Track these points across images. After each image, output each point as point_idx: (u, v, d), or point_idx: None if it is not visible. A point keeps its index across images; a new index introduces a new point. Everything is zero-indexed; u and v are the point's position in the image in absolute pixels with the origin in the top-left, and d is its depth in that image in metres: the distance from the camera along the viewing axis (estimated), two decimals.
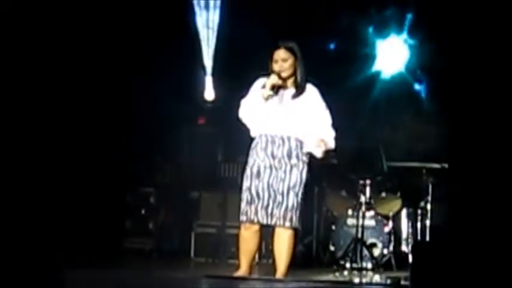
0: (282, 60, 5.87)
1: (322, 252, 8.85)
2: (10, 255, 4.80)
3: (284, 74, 5.86)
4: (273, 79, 5.83)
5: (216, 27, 9.84)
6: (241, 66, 8.03)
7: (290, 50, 5.90)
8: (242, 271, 5.88)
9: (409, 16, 9.40)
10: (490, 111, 4.31)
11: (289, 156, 5.85)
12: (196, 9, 9.87)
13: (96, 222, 8.58)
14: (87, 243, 7.96)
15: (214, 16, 9.86)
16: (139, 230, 9.45)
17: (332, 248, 8.64)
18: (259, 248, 6.06)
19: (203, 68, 9.93)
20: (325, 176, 9.04)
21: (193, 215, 9.37)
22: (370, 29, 9.57)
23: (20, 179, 6.24)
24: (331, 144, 5.96)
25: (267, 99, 5.83)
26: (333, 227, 8.74)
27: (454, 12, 4.28)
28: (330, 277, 7.78)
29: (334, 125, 6.02)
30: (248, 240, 5.91)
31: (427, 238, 8.60)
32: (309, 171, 5.93)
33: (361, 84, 9.44)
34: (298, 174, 5.86)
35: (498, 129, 4.31)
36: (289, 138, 5.87)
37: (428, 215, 8.70)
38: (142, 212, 9.53)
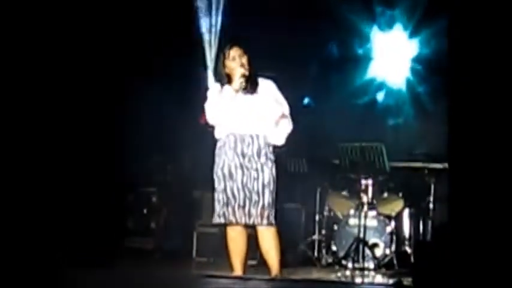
0: (239, 56, 5.94)
1: (324, 252, 8.84)
2: (12, 255, 4.80)
3: (247, 70, 5.91)
4: (240, 70, 5.89)
5: (218, 29, 9.85)
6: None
7: (242, 47, 5.96)
8: (237, 272, 5.89)
9: (413, 14, 9.39)
10: (494, 110, 4.30)
11: (259, 155, 5.90)
12: (199, 11, 9.88)
13: (97, 221, 8.57)
14: (89, 242, 7.95)
15: (217, 18, 9.87)
16: (141, 229, 9.45)
17: (334, 248, 8.63)
18: (248, 247, 6.06)
19: (205, 66, 9.93)
20: (327, 176, 9.04)
21: (195, 214, 9.36)
22: (373, 28, 9.56)
23: (21, 179, 6.24)
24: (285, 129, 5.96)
25: (238, 90, 5.87)
26: (335, 227, 8.73)
27: (458, 10, 4.27)
28: (332, 277, 7.78)
29: (292, 115, 6.05)
30: (236, 239, 5.95)
31: (429, 238, 8.59)
32: (276, 168, 5.98)
33: (363, 84, 9.43)
34: (269, 172, 5.92)
35: (502, 129, 4.29)
36: (257, 137, 5.93)
37: (431, 215, 8.70)
38: (144, 211, 9.53)
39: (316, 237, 8.99)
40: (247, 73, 5.91)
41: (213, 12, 9.90)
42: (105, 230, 8.72)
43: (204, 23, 9.90)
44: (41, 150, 7.33)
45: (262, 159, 5.90)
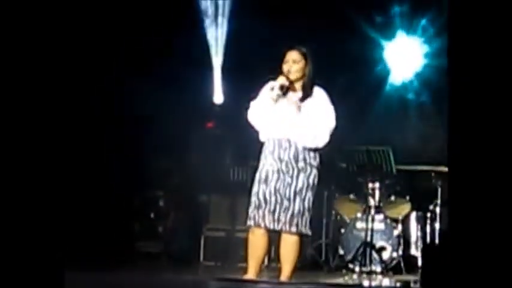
0: (293, 61, 5.89)
1: (332, 256, 8.83)
2: (15, 260, 4.81)
3: (292, 76, 5.87)
4: (281, 79, 5.85)
5: (225, 31, 9.86)
6: (250, 69, 8.04)
7: (303, 54, 5.93)
8: (250, 275, 5.88)
9: (420, 17, 9.39)
10: (499, 113, 4.30)
11: (296, 160, 5.84)
12: (205, 14, 9.90)
13: (105, 225, 8.59)
14: (96, 246, 7.96)
15: (224, 19, 9.88)
16: (148, 233, 9.46)
17: (341, 252, 8.63)
18: (267, 252, 6.06)
19: (212, 71, 9.95)
20: (334, 180, 9.04)
21: (202, 218, 9.37)
22: (380, 31, 9.56)
23: (27, 183, 6.24)
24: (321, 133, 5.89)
25: (276, 100, 5.84)
26: (342, 231, 8.72)
27: (464, 13, 4.27)
28: (340, 280, 7.77)
29: (336, 129, 5.98)
30: (256, 244, 5.91)
31: (437, 241, 8.58)
32: (317, 175, 5.92)
33: (371, 87, 9.43)
34: (304, 179, 5.85)
35: (503, 131, 4.29)
36: (295, 141, 5.87)
37: (438, 218, 8.69)
38: (152, 215, 9.54)
39: (323, 240, 8.99)
40: (287, 83, 5.85)
41: (220, 14, 9.92)
42: (113, 234, 8.73)
43: (210, 26, 9.92)
44: (48, 154, 7.33)
45: (301, 164, 5.85)
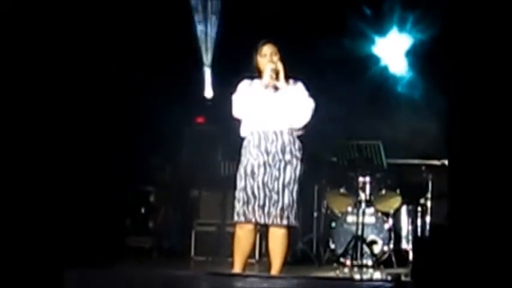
0: (272, 54, 5.93)
1: (323, 250, 8.85)
2: (11, 255, 4.81)
3: (276, 66, 5.91)
4: (271, 65, 5.88)
5: (215, 26, 9.86)
6: (240, 64, 8.03)
7: (276, 45, 5.96)
8: (237, 270, 5.89)
9: (410, 12, 9.39)
10: (493, 105, 4.30)
11: (283, 152, 5.85)
12: (195, 11, 9.89)
13: (95, 220, 8.57)
14: (87, 241, 7.95)
15: (214, 18, 9.87)
16: (139, 228, 9.46)
17: (332, 246, 8.64)
18: (254, 247, 6.05)
19: (202, 66, 9.93)
20: (325, 174, 9.05)
21: (193, 213, 9.37)
22: (370, 26, 9.55)
23: (20, 178, 6.23)
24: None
25: (267, 85, 5.86)
26: (333, 225, 8.74)
27: (456, 5, 4.27)
28: (331, 274, 7.79)
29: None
30: (243, 239, 5.91)
31: (427, 235, 8.60)
32: (302, 167, 5.94)
33: (361, 81, 9.43)
34: (292, 171, 5.85)
35: (501, 124, 4.29)
36: (282, 133, 5.88)
37: (428, 211, 8.72)
38: (142, 210, 9.54)
39: (314, 234, 9.00)
40: (277, 68, 5.89)
41: (209, 11, 9.91)
42: (103, 229, 8.72)
43: (200, 23, 9.91)
44: (40, 150, 7.33)
45: (287, 156, 5.85)
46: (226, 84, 9.30)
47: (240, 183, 5.88)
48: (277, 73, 5.90)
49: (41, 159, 7.03)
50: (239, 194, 5.87)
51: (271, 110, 5.89)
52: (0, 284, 4.44)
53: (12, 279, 4.52)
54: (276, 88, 5.92)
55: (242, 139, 5.98)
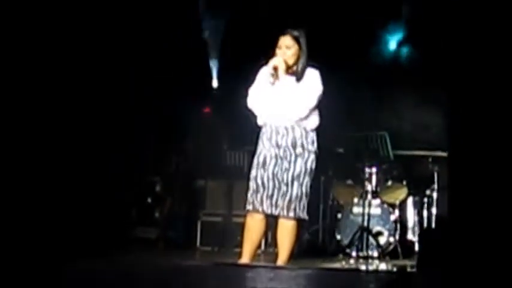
0: (286, 47, 5.87)
1: (328, 241, 8.85)
2: (14, 247, 4.81)
3: (288, 61, 5.85)
4: (275, 60, 5.83)
5: (223, 17, 9.85)
6: (247, 54, 8.03)
7: (295, 38, 5.89)
8: (245, 259, 5.89)
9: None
10: (496, 98, 4.30)
11: (294, 146, 5.84)
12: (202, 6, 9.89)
13: (101, 211, 8.58)
14: (93, 232, 7.96)
15: (221, 12, 9.86)
16: (145, 219, 9.46)
17: (338, 237, 8.64)
18: (263, 237, 6.05)
19: (209, 56, 9.93)
20: (331, 165, 9.04)
21: (199, 203, 9.37)
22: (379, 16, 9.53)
23: (23, 170, 6.24)
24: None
25: (273, 82, 5.82)
26: (339, 216, 8.74)
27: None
28: (336, 265, 7.79)
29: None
30: (253, 228, 5.91)
31: (433, 226, 8.60)
32: (315, 160, 5.92)
33: (368, 73, 9.41)
34: (302, 164, 5.84)
35: (501, 117, 4.29)
36: (293, 128, 5.86)
37: (434, 203, 8.71)
38: (148, 201, 9.54)
39: (320, 225, 8.99)
40: (282, 64, 5.81)
41: (217, 2, 9.90)
42: (109, 220, 8.73)
43: (208, 14, 9.90)
44: (45, 142, 7.34)
45: (298, 150, 5.83)
46: (232, 75, 9.35)
47: (252, 173, 5.90)
48: (282, 65, 5.85)
49: (46, 150, 7.04)
50: (250, 183, 5.88)
51: (282, 103, 5.86)
52: (2, 277, 4.45)
53: (15, 270, 4.53)
54: (284, 84, 5.88)
55: (259, 128, 5.97)
